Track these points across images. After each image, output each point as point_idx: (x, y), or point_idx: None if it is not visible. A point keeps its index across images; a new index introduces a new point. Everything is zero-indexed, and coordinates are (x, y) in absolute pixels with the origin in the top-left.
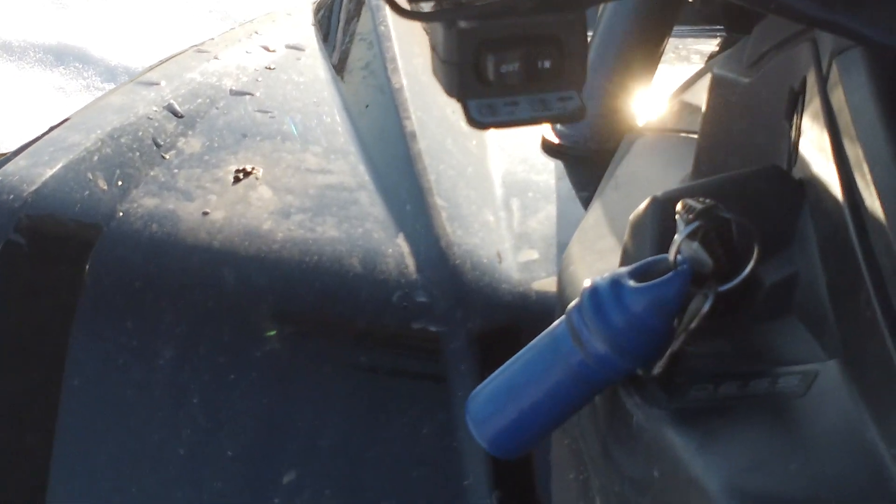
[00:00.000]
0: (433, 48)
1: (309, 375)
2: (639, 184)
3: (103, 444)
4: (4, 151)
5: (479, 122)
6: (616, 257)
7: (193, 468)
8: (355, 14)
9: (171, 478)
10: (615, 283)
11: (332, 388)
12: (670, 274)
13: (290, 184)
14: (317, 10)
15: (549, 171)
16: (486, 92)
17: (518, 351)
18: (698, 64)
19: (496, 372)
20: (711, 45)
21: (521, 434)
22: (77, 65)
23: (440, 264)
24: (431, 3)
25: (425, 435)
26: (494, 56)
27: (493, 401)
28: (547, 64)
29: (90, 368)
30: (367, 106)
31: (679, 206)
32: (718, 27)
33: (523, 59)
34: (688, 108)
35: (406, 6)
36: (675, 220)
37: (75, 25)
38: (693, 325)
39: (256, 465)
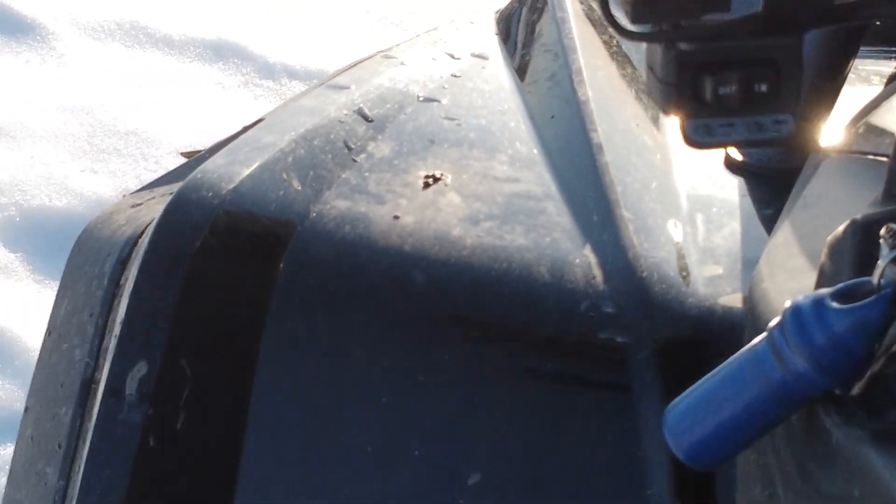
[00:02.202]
0: (650, 68)
1: (495, 380)
2: (828, 205)
3: (293, 439)
4: (199, 149)
5: (696, 141)
6: (807, 277)
7: (381, 466)
8: (539, 25)
9: (358, 475)
10: (818, 304)
11: (518, 394)
12: (874, 297)
13: (478, 191)
14: (499, 20)
15: (732, 188)
16: (702, 112)
17: (705, 363)
18: (878, 85)
19: (694, 385)
20: (889, 66)
21: (718, 447)
22: (236, 61)
23: (627, 275)
24: (651, 25)
25: (609, 443)
26: (713, 78)
27: (691, 413)
28: (763, 87)
29: (282, 365)
30: (552, 116)
31: (883, 231)
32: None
33: (741, 81)
34: (874, 131)
35: (628, 27)
36: (874, 243)
37: (235, 21)
38: (895, 348)
39: (443, 465)
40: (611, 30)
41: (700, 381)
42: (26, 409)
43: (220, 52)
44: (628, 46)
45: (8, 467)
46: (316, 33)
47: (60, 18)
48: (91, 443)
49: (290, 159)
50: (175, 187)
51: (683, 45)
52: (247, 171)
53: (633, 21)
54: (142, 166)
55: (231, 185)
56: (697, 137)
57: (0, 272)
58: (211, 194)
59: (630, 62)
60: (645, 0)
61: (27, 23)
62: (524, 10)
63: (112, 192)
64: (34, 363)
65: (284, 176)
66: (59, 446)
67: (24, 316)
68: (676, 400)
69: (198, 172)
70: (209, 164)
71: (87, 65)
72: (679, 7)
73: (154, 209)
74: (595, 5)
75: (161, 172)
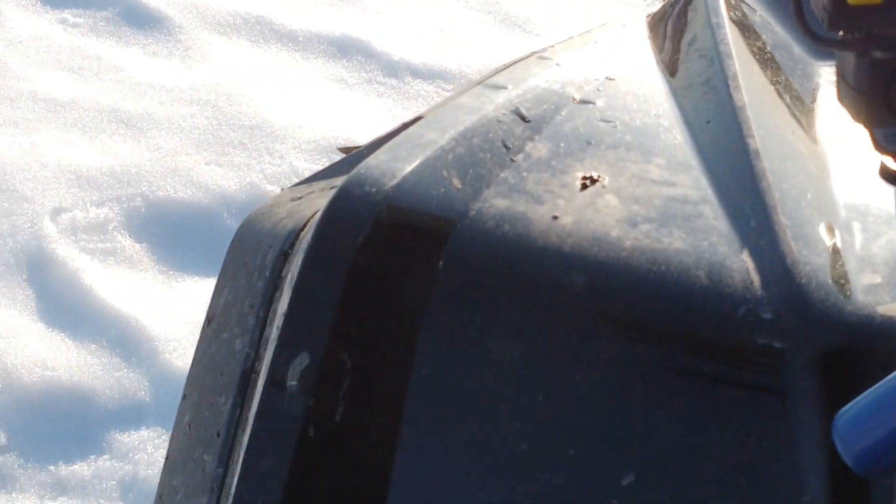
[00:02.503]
0: (841, 75)
1: (651, 382)
2: None
3: (448, 434)
4: (357, 145)
5: (886, 149)
6: None
7: (536, 463)
8: (693, 30)
9: (512, 470)
10: None
11: (673, 396)
12: None
13: (635, 193)
14: (651, 23)
15: (888, 197)
16: (894, 120)
17: (863, 371)
18: None
19: (865, 393)
20: None
21: (888, 455)
22: (360, 58)
23: (785, 281)
24: (844, 33)
25: (764, 448)
26: None
27: (861, 420)
28: None
29: (439, 360)
30: (707, 121)
31: None
32: None
33: None
34: None
35: (821, 34)
36: None
37: (358, 19)
38: None
39: (597, 465)
40: (804, 35)
41: (871, 390)
42: (184, 397)
43: (344, 50)
44: (781, 54)
45: (132, 454)
46: (438, 32)
47: (187, 12)
48: (251, 432)
49: (450, 157)
50: (336, 182)
51: (877, 54)
52: (409, 168)
53: (829, 28)
54: (266, 160)
55: (394, 182)
56: (888, 145)
57: (125, 262)
58: (374, 190)
59: (783, 69)
60: (842, 8)
61: (154, 16)
62: (676, 15)
63: (236, 186)
64: (159, 352)
65: (445, 173)
66: (218, 434)
67: (149, 305)
68: (847, 407)
69: (361, 168)
70: (371, 160)
71: (213, 59)
72: (875, 15)
73: (315, 203)
74: (747, 10)
75: (285, 167)
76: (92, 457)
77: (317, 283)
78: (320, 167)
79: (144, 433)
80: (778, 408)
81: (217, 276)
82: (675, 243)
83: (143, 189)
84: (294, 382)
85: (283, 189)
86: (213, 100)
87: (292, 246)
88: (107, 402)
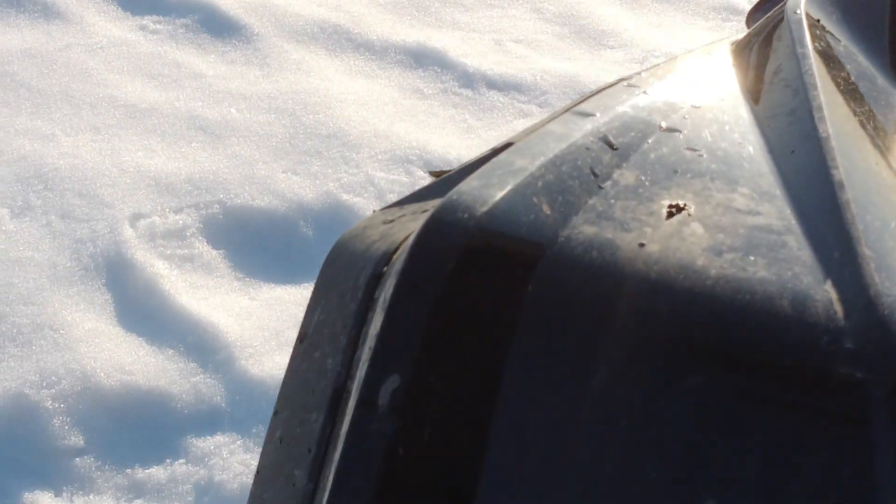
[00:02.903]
0: None
1: (733, 409)
2: None
3: (532, 458)
4: (447, 169)
5: None
6: None
7: (618, 486)
8: (777, 59)
9: (595, 493)
10: None
11: (755, 423)
12: None
13: (720, 222)
14: (735, 51)
15: None
16: None
17: None
18: None
19: None
20: None
21: None
22: (435, 69)
23: (869, 313)
24: None
25: (844, 477)
26: None
27: None
28: None
29: (525, 384)
30: (792, 151)
31: None
32: None
33: None
34: None
35: None
36: None
37: (435, 29)
38: None
39: (679, 489)
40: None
41: None
42: (275, 413)
43: (420, 60)
44: (865, 84)
45: (207, 459)
46: (514, 44)
47: (265, 20)
48: (342, 450)
49: (540, 184)
50: (427, 205)
51: None
52: (500, 195)
53: None
54: (342, 170)
55: (485, 208)
56: None
57: (203, 268)
58: (467, 216)
59: (866, 100)
60: None
61: (233, 24)
62: (761, 43)
63: (312, 195)
64: (235, 359)
65: (535, 200)
66: (309, 451)
67: (225, 312)
68: None
69: (453, 194)
70: (463, 186)
71: (290, 67)
72: None
73: (407, 226)
74: (831, 40)
75: (361, 177)
76: (168, 461)
77: (409, 306)
78: (396, 177)
79: (220, 438)
80: (859, 437)
81: (292, 285)
82: (759, 272)
83: (221, 196)
84: (385, 403)
85: (374, 210)
86: (290, 108)
87: (385, 268)
88: (183, 406)
